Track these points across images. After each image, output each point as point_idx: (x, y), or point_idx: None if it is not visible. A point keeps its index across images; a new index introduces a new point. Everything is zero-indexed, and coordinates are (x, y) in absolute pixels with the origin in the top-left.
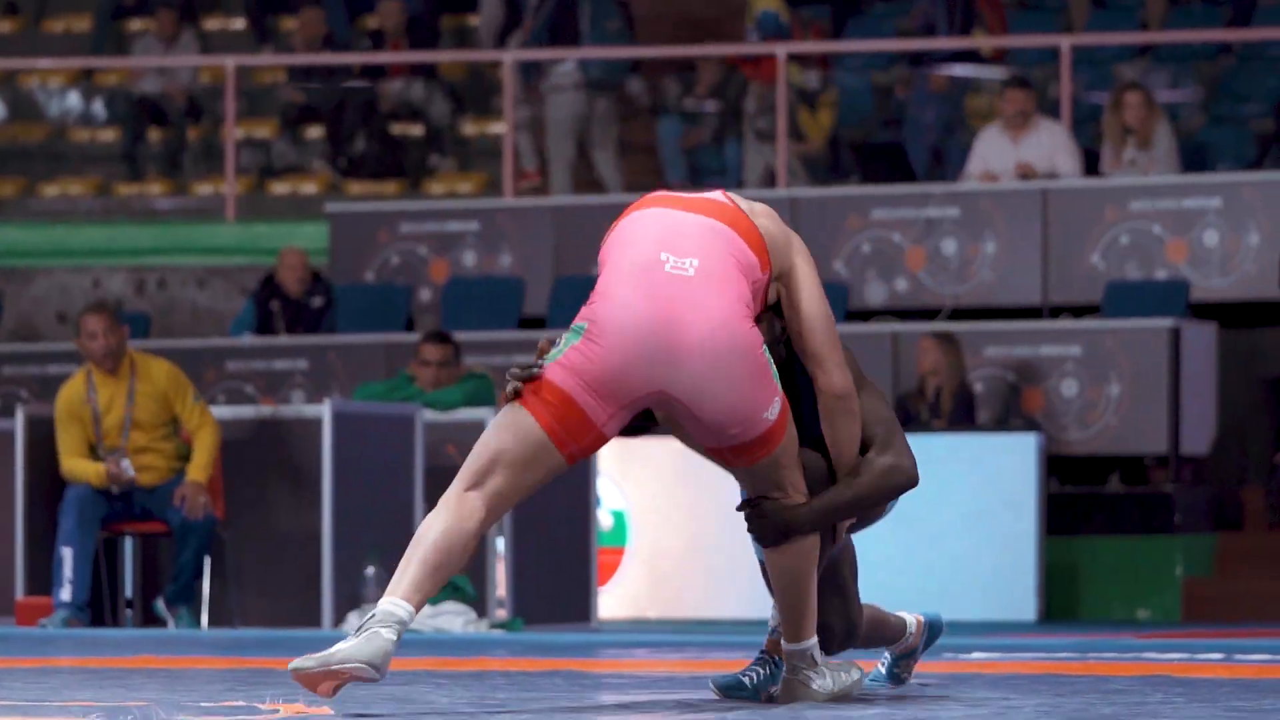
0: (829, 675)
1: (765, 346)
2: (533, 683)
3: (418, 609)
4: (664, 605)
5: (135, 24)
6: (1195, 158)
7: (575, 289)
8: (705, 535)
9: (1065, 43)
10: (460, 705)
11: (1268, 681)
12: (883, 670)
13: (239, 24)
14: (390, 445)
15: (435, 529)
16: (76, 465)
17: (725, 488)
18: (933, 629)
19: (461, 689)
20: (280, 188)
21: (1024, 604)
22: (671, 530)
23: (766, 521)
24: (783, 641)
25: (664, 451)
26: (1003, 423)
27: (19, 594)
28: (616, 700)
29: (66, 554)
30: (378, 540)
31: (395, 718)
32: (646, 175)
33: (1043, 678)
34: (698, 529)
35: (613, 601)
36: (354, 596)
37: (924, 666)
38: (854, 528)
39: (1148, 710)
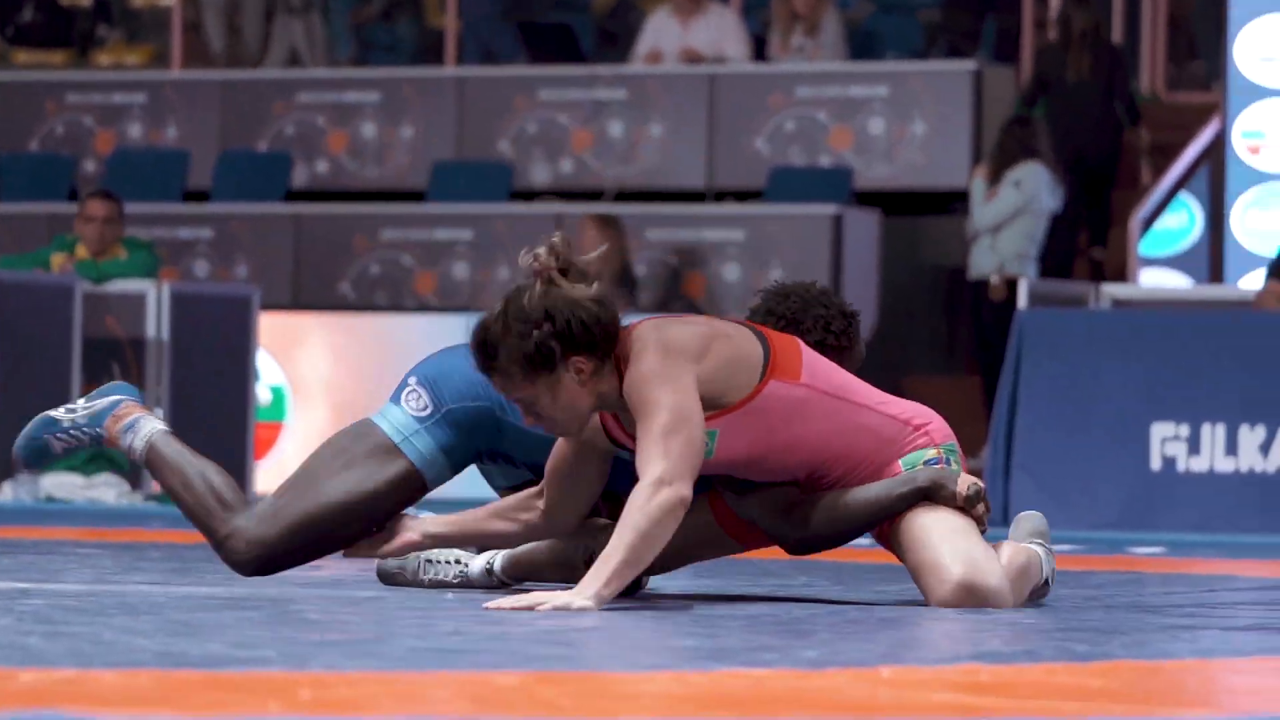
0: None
1: None
2: (182, 554)
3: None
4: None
5: None
6: (863, 46)
7: (240, 163)
8: (363, 413)
9: None
10: (108, 573)
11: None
12: None
13: None
14: (48, 316)
15: None
16: None
17: (386, 364)
18: None
19: (112, 559)
20: None
21: None
22: (329, 406)
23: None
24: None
25: (323, 328)
26: (664, 306)
27: None
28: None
29: None
30: (35, 411)
31: (41, 583)
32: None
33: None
34: (355, 405)
35: (270, 476)
36: (9, 466)
37: None
38: None
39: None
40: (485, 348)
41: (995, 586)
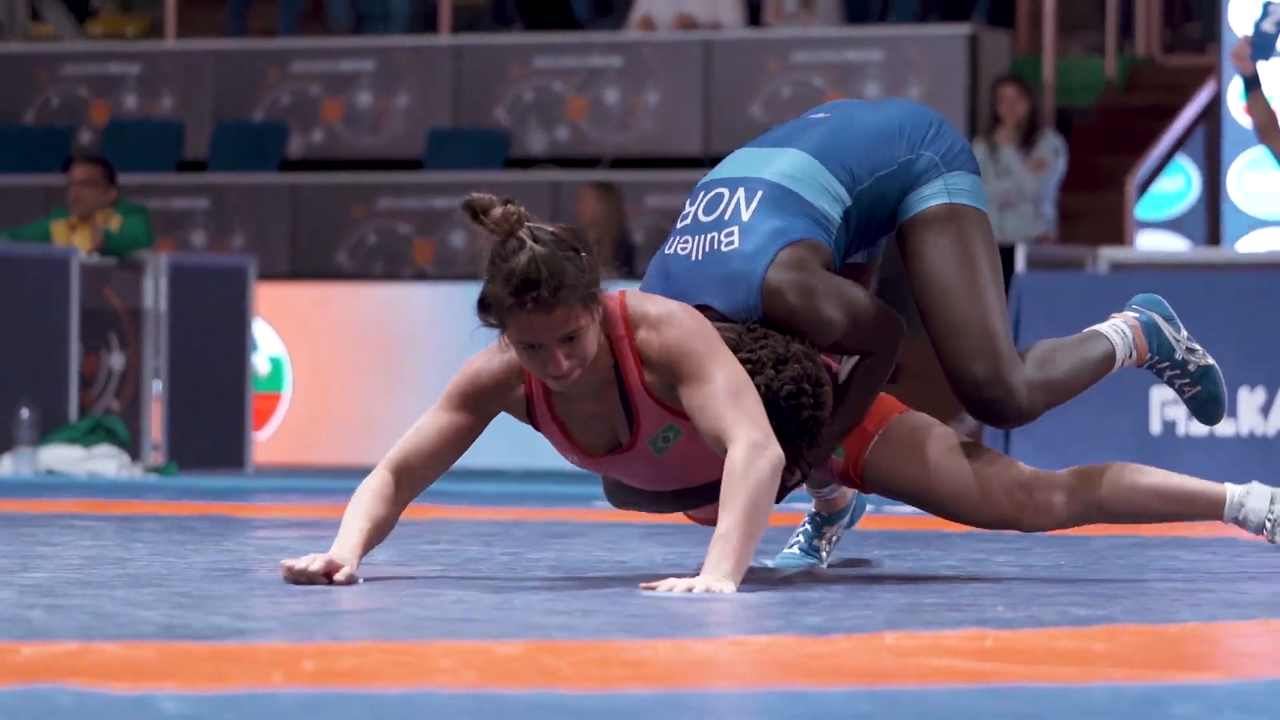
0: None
1: None
2: (183, 526)
3: None
4: (320, 452)
5: None
6: (858, 11)
7: (234, 133)
8: (362, 384)
9: None
10: (108, 546)
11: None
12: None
13: None
14: (45, 286)
15: None
16: None
17: (384, 333)
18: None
19: (113, 532)
20: None
21: None
22: (329, 378)
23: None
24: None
25: (322, 299)
26: None
27: None
28: (265, 538)
29: None
30: (31, 382)
31: (42, 556)
32: (310, 21)
33: None
34: (355, 377)
35: (268, 448)
36: (8, 440)
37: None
38: None
39: None
40: (550, 277)
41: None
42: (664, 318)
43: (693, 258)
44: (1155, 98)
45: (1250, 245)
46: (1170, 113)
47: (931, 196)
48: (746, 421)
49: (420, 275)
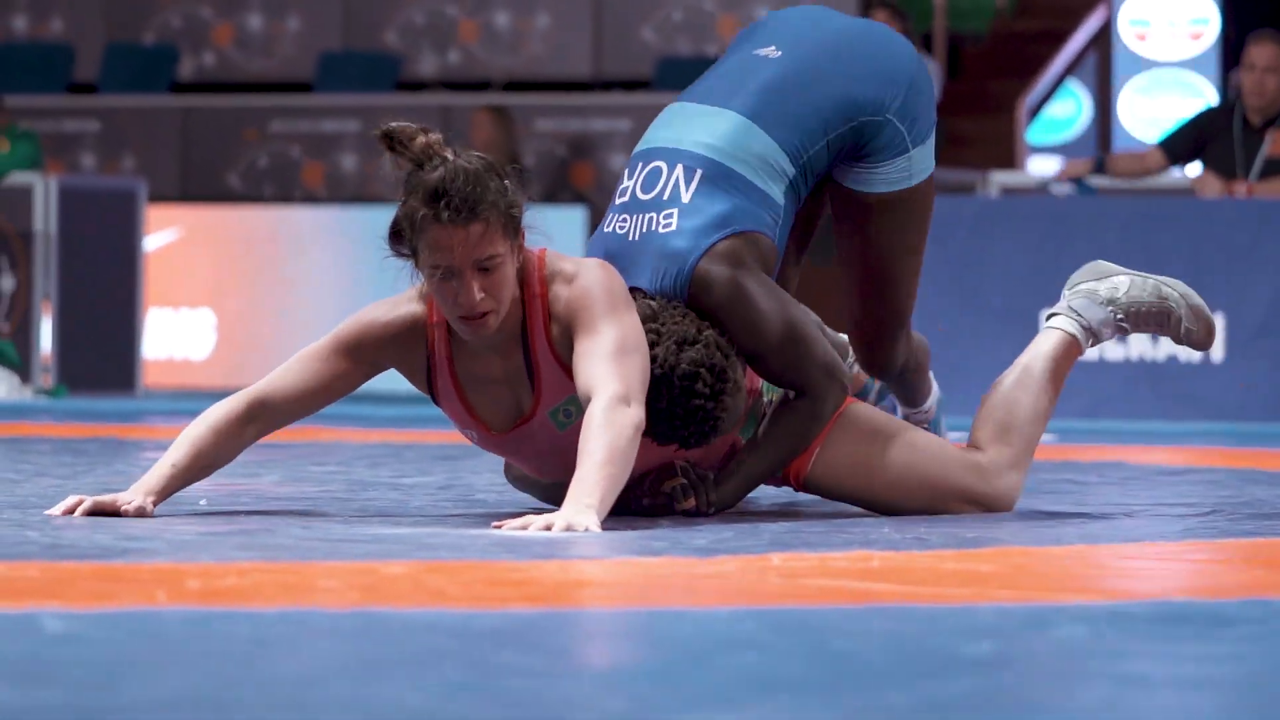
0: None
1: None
2: (73, 448)
3: None
4: (207, 374)
5: None
6: None
7: (125, 55)
8: (263, 303)
9: None
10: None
11: None
12: None
13: None
14: None
15: None
16: None
17: (274, 256)
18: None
19: (1, 453)
20: None
21: None
22: (227, 299)
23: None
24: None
25: (222, 221)
26: (552, 196)
27: None
28: (154, 459)
29: None
30: None
31: None
32: None
33: None
34: (254, 298)
35: (159, 370)
36: None
37: None
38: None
39: None
40: (470, 188)
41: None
42: (576, 273)
43: (630, 237)
44: (1046, 23)
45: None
46: (1061, 38)
47: (894, 179)
48: (617, 378)
49: (310, 198)
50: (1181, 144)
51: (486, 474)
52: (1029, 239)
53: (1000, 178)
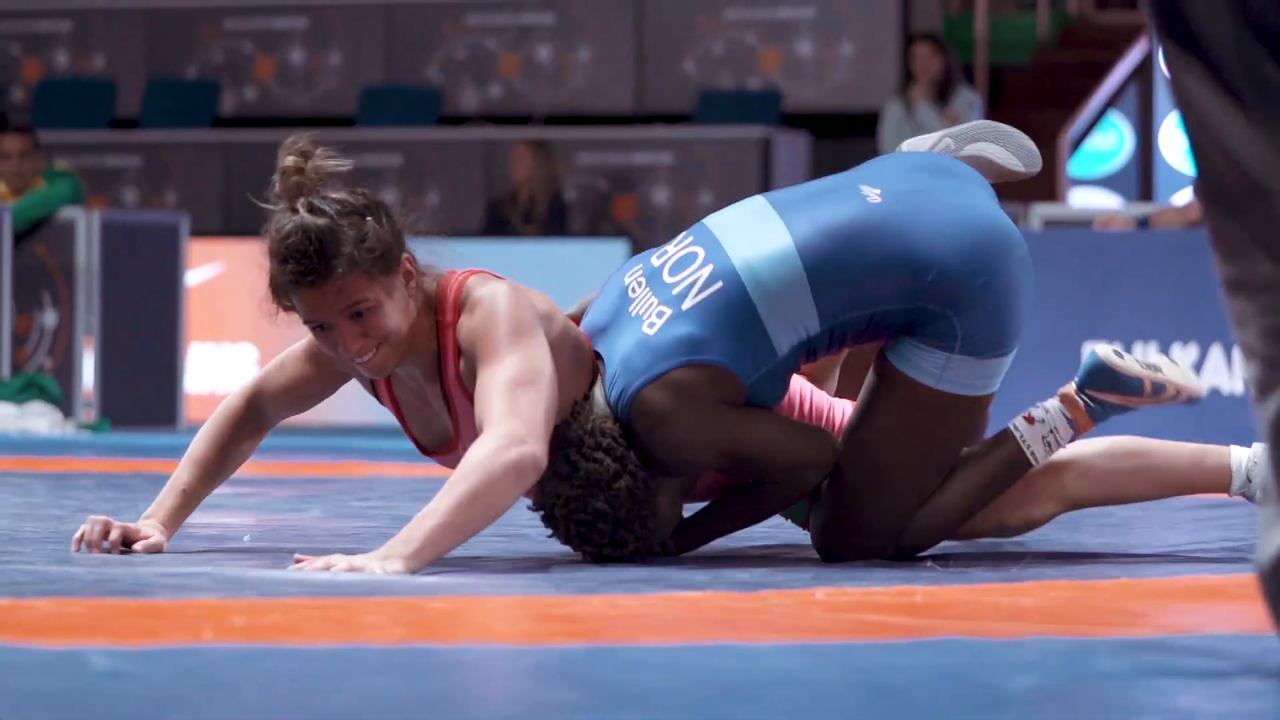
0: None
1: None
2: (114, 483)
3: None
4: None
5: None
6: None
7: (168, 90)
8: (305, 337)
9: None
10: (40, 503)
11: None
12: None
13: None
14: None
15: None
16: None
17: None
18: None
19: (44, 489)
20: None
21: None
22: (269, 333)
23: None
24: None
25: (254, 255)
26: (594, 229)
27: None
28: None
29: None
30: None
31: None
32: None
33: None
34: (296, 332)
35: (201, 405)
36: None
37: None
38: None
39: None
40: (322, 250)
41: None
42: (482, 299)
43: (630, 310)
44: (1088, 55)
45: (1183, 202)
46: (1103, 70)
47: (924, 369)
48: (509, 415)
49: None
50: None
51: (527, 510)
52: (1071, 271)
53: (1042, 210)
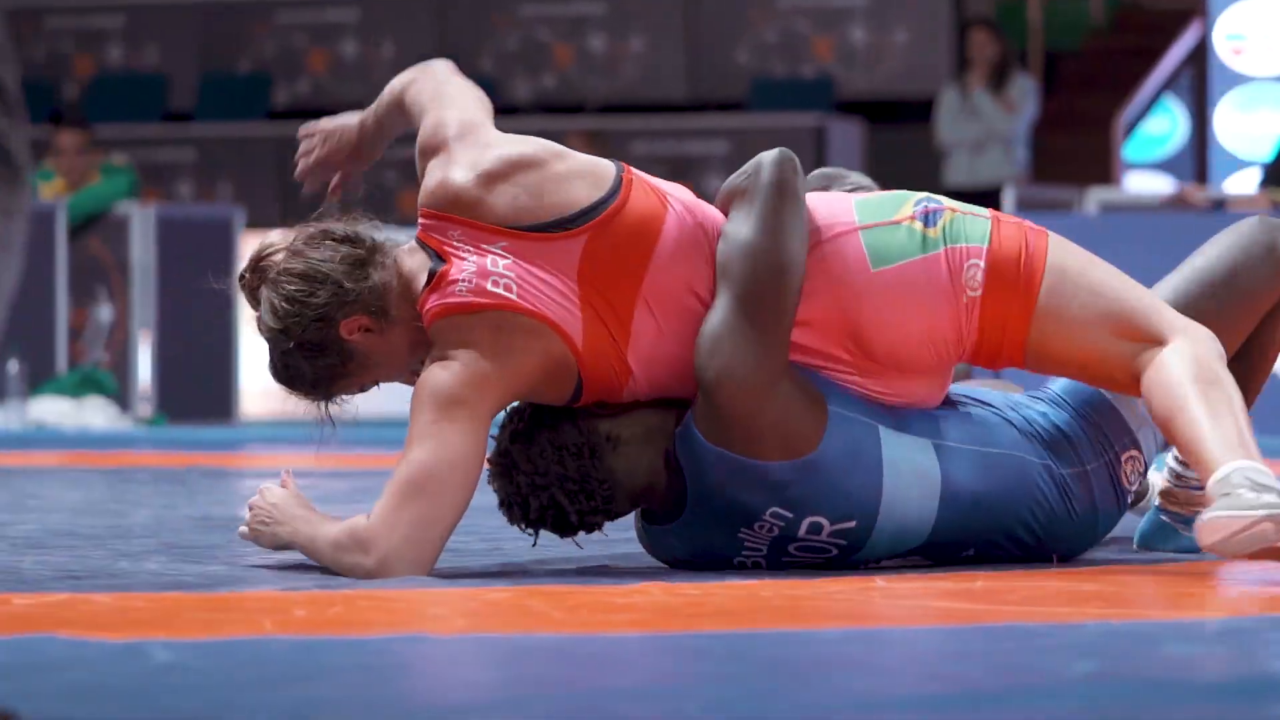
0: None
1: None
2: (172, 477)
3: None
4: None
5: None
6: None
7: (221, 84)
8: None
9: None
10: (99, 498)
11: None
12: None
13: None
14: (33, 239)
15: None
16: None
17: None
18: None
19: (103, 483)
20: None
21: None
22: None
23: None
24: None
25: None
26: None
27: None
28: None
29: None
30: (20, 335)
31: (33, 508)
32: None
33: None
34: None
35: (257, 399)
36: None
37: None
38: None
39: None
40: (291, 383)
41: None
42: (433, 360)
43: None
44: (1141, 39)
45: (1238, 185)
46: (1156, 54)
47: None
48: (380, 522)
49: (406, 222)
50: None
51: None
52: (1128, 255)
53: (1098, 194)
